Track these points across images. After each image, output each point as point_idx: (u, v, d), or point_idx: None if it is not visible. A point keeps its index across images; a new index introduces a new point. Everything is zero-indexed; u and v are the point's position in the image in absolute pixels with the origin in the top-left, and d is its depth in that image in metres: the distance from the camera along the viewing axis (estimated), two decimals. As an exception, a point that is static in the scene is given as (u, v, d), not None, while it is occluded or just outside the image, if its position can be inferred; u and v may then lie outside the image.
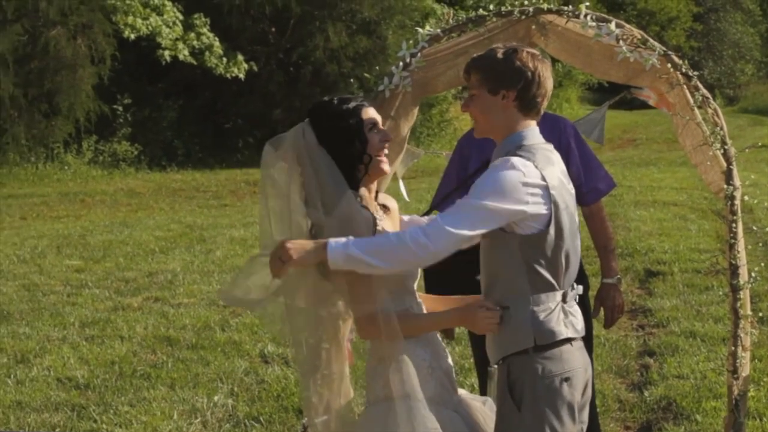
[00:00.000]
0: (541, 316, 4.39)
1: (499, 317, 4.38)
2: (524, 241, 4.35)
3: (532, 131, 4.50)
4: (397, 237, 4.28)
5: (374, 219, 4.46)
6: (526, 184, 4.28)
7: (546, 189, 4.34)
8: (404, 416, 4.33)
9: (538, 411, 4.35)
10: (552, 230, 4.37)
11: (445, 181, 6.10)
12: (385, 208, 4.69)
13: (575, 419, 4.45)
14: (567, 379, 4.39)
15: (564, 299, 4.46)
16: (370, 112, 4.55)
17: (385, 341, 4.36)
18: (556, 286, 4.42)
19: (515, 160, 4.32)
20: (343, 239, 4.27)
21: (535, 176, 4.32)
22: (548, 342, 4.38)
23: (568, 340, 4.44)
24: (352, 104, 4.52)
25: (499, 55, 4.45)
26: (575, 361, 4.46)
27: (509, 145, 4.45)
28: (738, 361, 5.37)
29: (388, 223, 4.61)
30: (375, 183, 4.65)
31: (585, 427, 4.56)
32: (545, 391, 4.36)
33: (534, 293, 4.39)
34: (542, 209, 4.34)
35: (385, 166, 4.58)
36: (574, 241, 4.51)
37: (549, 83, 4.52)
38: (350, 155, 4.46)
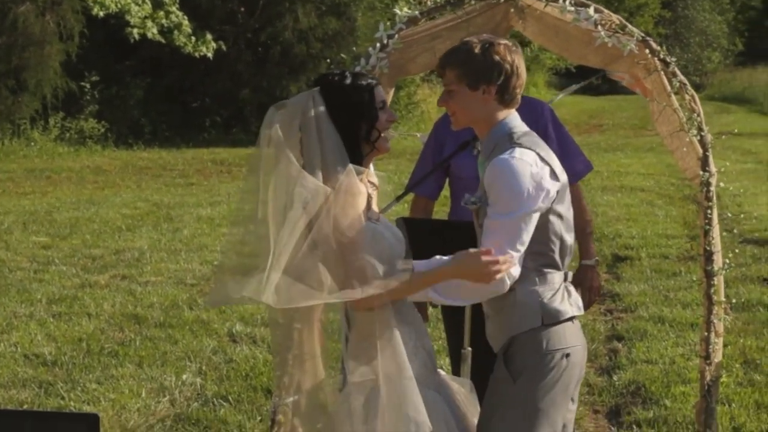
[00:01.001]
0: (548, 296, 4.44)
1: (504, 262, 4.26)
2: None
3: (515, 119, 4.50)
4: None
5: (369, 197, 4.43)
6: (538, 175, 4.31)
7: (553, 173, 4.38)
8: (393, 395, 4.28)
9: (535, 383, 4.39)
10: (559, 211, 4.43)
11: (420, 165, 6.08)
12: (372, 184, 4.65)
13: (569, 396, 4.49)
14: (567, 355, 4.44)
15: (565, 278, 4.53)
16: (381, 91, 4.51)
17: (386, 297, 4.29)
18: (560, 267, 4.49)
19: (518, 152, 4.32)
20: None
21: (540, 163, 4.34)
22: (554, 321, 4.43)
23: (572, 318, 4.50)
24: (365, 81, 4.47)
25: (476, 49, 4.40)
26: (576, 339, 4.51)
27: (497, 135, 4.44)
28: (711, 346, 5.41)
29: (375, 201, 4.58)
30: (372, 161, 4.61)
31: (576, 406, 4.59)
32: (545, 366, 4.40)
33: (539, 274, 4.44)
34: (553, 193, 4.38)
35: (389, 144, 4.55)
36: (571, 222, 4.55)
37: (525, 72, 4.52)
38: (357, 130, 4.41)
